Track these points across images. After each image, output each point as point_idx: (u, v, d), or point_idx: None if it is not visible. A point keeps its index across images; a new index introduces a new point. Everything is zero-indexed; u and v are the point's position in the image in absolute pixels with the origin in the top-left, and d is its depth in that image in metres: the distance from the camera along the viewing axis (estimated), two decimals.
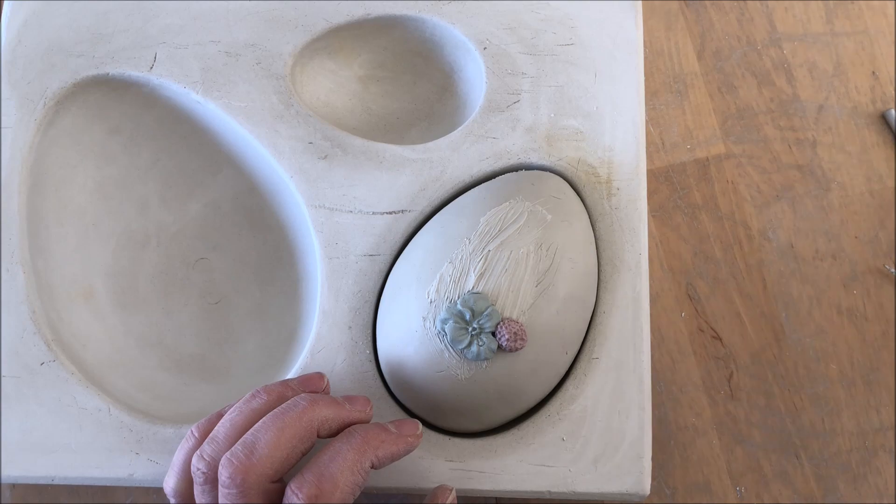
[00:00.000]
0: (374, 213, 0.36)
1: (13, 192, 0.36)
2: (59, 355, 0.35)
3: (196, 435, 0.30)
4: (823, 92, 0.46)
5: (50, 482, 0.34)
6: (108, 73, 0.37)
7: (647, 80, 0.45)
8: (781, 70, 0.47)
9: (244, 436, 0.28)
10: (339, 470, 0.27)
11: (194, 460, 0.28)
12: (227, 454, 0.27)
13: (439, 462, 0.34)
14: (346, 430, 0.29)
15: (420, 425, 0.32)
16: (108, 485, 0.35)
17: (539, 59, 0.38)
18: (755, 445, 0.42)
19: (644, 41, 0.41)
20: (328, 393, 0.32)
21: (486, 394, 0.33)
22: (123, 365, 0.37)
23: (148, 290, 0.39)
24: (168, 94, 0.38)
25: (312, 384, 0.32)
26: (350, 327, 0.35)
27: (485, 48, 0.38)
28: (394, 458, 0.30)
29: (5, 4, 0.38)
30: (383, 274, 0.36)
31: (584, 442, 0.34)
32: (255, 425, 0.28)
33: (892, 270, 0.44)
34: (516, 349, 0.32)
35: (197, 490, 0.29)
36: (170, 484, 0.30)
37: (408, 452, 0.31)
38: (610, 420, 0.34)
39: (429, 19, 0.38)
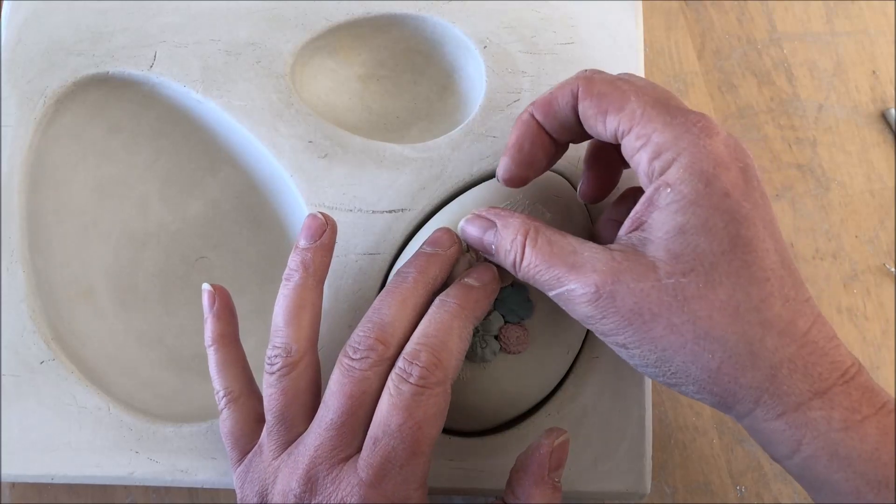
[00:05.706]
0: (374, 211, 0.36)
1: (13, 190, 0.36)
2: (59, 354, 0.35)
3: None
4: (823, 91, 0.46)
5: (49, 481, 0.34)
6: (108, 72, 0.37)
7: (647, 79, 0.45)
8: (781, 69, 0.47)
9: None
10: (449, 339, 0.28)
11: (268, 351, 0.30)
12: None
13: (440, 461, 0.34)
14: (436, 300, 0.29)
15: (494, 268, 0.31)
16: (107, 483, 0.35)
17: (539, 58, 0.38)
18: (755, 444, 0.42)
19: (644, 40, 0.41)
20: (334, 231, 0.31)
21: (488, 394, 0.33)
22: (123, 363, 0.37)
23: (148, 288, 0.39)
24: (168, 93, 0.38)
25: (315, 233, 0.31)
26: (350, 326, 0.35)
27: (485, 47, 0.38)
28: (485, 312, 0.30)
29: (5, 3, 0.38)
30: (383, 273, 0.36)
31: (585, 441, 0.34)
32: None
33: (892, 269, 0.44)
34: (518, 352, 0.32)
35: (265, 381, 0.30)
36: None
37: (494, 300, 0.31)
38: (610, 419, 0.34)
39: (429, 18, 0.38)
